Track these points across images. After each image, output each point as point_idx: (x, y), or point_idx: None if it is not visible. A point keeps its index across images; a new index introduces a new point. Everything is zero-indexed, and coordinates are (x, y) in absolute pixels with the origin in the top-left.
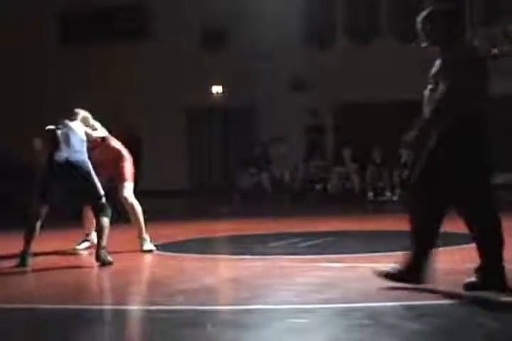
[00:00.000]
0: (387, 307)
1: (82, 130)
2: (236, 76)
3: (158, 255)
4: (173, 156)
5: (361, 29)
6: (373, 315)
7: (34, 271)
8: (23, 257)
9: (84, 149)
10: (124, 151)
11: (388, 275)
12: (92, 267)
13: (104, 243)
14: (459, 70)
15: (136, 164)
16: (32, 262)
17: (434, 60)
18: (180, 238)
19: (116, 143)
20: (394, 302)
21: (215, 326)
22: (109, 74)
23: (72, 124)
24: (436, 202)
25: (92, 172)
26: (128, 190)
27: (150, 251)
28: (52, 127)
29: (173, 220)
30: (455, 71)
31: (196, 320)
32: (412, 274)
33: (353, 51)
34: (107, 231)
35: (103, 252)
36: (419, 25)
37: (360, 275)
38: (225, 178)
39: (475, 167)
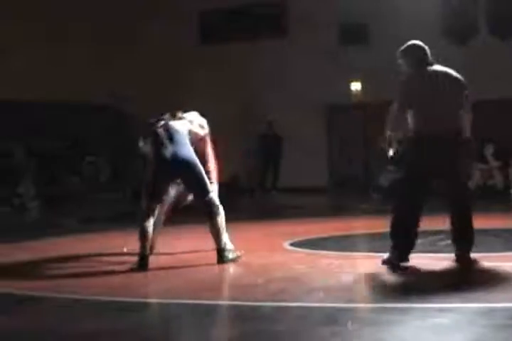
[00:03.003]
0: None
1: (185, 128)
2: (375, 73)
3: (296, 252)
4: (313, 153)
5: (503, 25)
6: None
7: (173, 267)
8: (142, 257)
9: (190, 145)
10: (212, 152)
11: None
12: (227, 264)
13: (222, 243)
14: None
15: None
16: (161, 261)
17: None
18: (317, 235)
19: (209, 144)
20: None
21: (353, 324)
22: (246, 72)
23: (173, 123)
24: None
25: (201, 168)
26: (213, 193)
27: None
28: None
29: (311, 217)
30: None
31: (335, 317)
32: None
33: (494, 47)
34: (222, 229)
35: (225, 253)
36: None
37: (503, 274)
38: (364, 175)
39: None
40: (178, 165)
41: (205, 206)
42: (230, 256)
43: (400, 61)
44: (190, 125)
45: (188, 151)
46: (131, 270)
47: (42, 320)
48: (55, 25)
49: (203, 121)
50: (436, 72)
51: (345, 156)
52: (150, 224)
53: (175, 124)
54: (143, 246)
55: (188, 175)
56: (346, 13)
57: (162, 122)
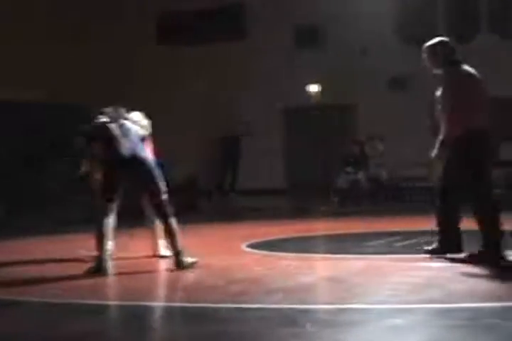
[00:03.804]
0: (487, 308)
1: (135, 127)
2: (333, 75)
3: (255, 254)
4: (271, 155)
5: (461, 26)
6: (473, 316)
7: (137, 270)
8: (100, 260)
9: (143, 145)
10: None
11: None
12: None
13: (179, 246)
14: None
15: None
16: (125, 263)
17: None
18: (277, 236)
19: (149, 145)
20: (495, 302)
21: (313, 325)
22: (205, 74)
23: (125, 122)
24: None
25: (156, 169)
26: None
27: (165, 257)
28: (102, 120)
29: (270, 219)
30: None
31: (294, 319)
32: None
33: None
34: (177, 231)
35: (183, 258)
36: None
37: (459, 275)
38: (322, 177)
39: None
40: (136, 164)
41: (160, 207)
42: (189, 260)
43: (425, 56)
44: (137, 128)
45: (144, 151)
46: (89, 273)
47: (17, 324)
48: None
49: (146, 122)
50: (471, 71)
51: (303, 158)
52: (108, 224)
53: (127, 123)
54: (102, 249)
55: (145, 174)
56: (302, 16)
57: (113, 119)
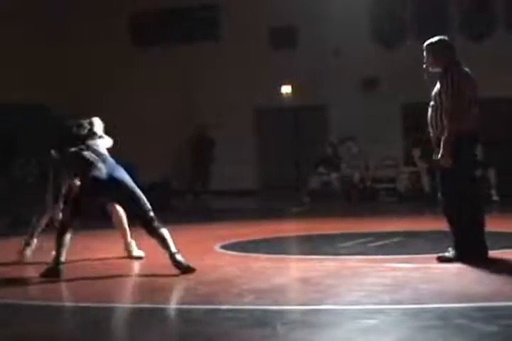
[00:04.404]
0: (458, 309)
1: (104, 146)
2: (305, 76)
3: (227, 255)
4: (242, 156)
5: (431, 27)
6: (444, 316)
7: (107, 271)
8: (57, 267)
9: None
10: None
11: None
12: (161, 268)
13: (174, 249)
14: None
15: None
16: (96, 265)
17: None
18: (249, 238)
19: None
20: (466, 303)
21: (284, 326)
22: (177, 74)
23: (94, 144)
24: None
25: (135, 187)
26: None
27: (139, 257)
28: (73, 150)
29: (242, 220)
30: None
31: (265, 320)
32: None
33: (422, 49)
34: (170, 240)
35: (181, 259)
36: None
37: (430, 276)
38: (294, 178)
39: None
40: (114, 186)
41: (148, 223)
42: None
43: (427, 54)
44: (106, 141)
45: (121, 171)
46: (44, 276)
47: None
48: None
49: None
50: (469, 73)
51: (276, 159)
52: (68, 237)
53: (98, 147)
54: (59, 255)
55: (125, 196)
56: (277, 17)
57: (82, 145)
